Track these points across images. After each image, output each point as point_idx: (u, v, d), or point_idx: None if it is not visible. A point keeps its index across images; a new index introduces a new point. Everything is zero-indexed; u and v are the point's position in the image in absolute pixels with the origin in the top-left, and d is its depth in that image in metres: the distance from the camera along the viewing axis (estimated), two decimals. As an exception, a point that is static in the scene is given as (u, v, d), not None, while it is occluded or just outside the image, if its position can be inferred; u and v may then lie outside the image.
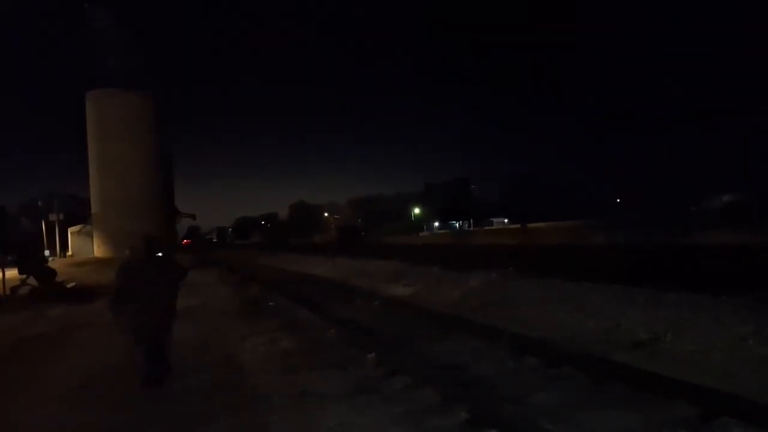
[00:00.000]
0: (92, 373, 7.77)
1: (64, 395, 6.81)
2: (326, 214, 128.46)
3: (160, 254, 7.17)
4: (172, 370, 7.16)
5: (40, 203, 60.69)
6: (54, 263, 31.87)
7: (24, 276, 19.16)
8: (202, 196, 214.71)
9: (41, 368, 8.52)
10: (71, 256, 53.81)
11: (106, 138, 51.55)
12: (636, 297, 9.30)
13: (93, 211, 53.47)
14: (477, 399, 5.54)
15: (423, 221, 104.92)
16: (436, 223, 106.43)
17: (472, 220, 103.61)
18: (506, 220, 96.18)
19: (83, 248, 53.37)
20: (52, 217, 55.07)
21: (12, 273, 20.47)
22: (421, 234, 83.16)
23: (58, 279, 19.71)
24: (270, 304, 14.11)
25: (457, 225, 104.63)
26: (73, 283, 21.32)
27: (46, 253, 47.13)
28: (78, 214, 59.75)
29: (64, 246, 57.10)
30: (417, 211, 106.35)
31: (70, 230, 57.26)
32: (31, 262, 19.93)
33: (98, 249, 50.36)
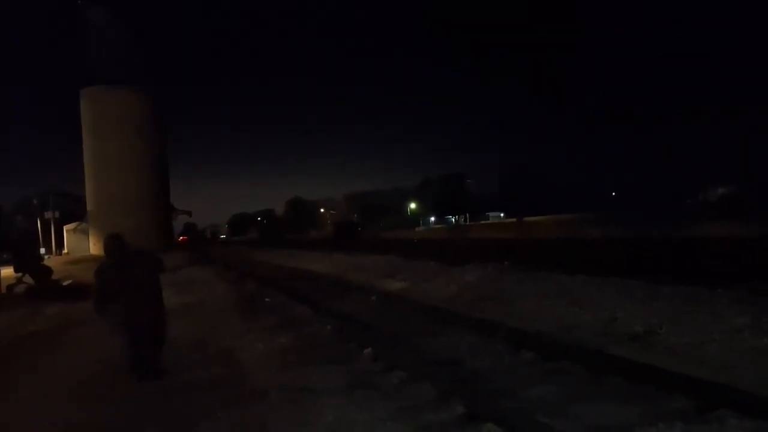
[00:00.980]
0: (89, 371, 7.75)
1: (61, 393, 6.80)
2: (322, 210, 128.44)
3: (127, 251, 7.00)
4: (163, 369, 7.10)
5: (35, 201, 60.52)
6: (50, 261, 31.82)
7: (20, 274, 19.12)
8: (199, 192, 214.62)
9: (38, 366, 8.51)
10: (67, 254, 53.71)
11: (101, 135, 51.42)
12: (632, 290, 9.33)
13: (89, 208, 53.39)
14: (474, 393, 5.55)
15: (419, 216, 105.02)
16: (433, 218, 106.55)
17: (468, 215, 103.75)
18: (502, 215, 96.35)
19: (79, 246, 53.28)
20: (48, 215, 54.97)
21: (7, 271, 20.42)
22: (417, 229, 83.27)
23: (54, 277, 19.66)
24: (267, 300, 14.10)
25: (453, 220, 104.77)
26: (70, 281, 21.27)
27: (42, 251, 47.03)
28: (74, 211, 59.64)
29: (60, 244, 56.97)
30: (413, 206, 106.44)
31: (65, 228, 57.17)
32: (26, 260, 19.89)
33: (94, 247, 50.25)
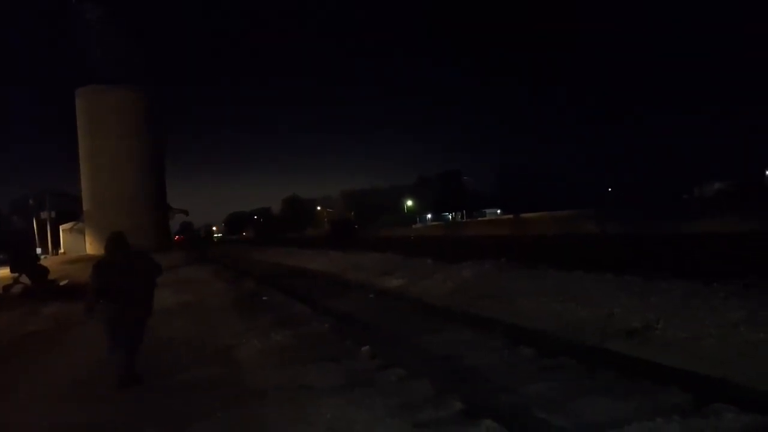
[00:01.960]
0: (87, 371, 7.75)
1: (60, 393, 6.80)
2: (319, 208, 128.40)
3: (128, 251, 7.01)
4: (137, 375, 6.86)
5: (31, 201, 60.36)
6: (46, 261, 31.79)
7: (16, 274, 19.08)
8: (195, 191, 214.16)
9: (35, 366, 8.50)
10: (63, 253, 53.58)
11: (97, 134, 51.29)
12: (628, 285, 9.36)
13: (85, 208, 53.27)
14: (472, 390, 5.57)
15: (416, 213, 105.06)
16: (429, 215, 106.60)
17: (464, 212, 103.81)
18: (499, 211, 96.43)
19: (75, 246, 53.16)
20: (44, 214, 54.82)
21: (4, 271, 20.38)
22: (414, 226, 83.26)
23: (51, 277, 19.62)
24: (264, 298, 14.11)
25: (450, 217, 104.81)
26: (66, 281, 21.23)
27: (38, 250, 46.94)
28: (70, 211, 59.47)
29: (56, 244, 56.84)
30: (410, 203, 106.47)
31: (62, 228, 57.02)
32: (23, 260, 19.84)
33: (90, 246, 50.19)
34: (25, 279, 18.81)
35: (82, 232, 53.47)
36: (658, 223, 27.72)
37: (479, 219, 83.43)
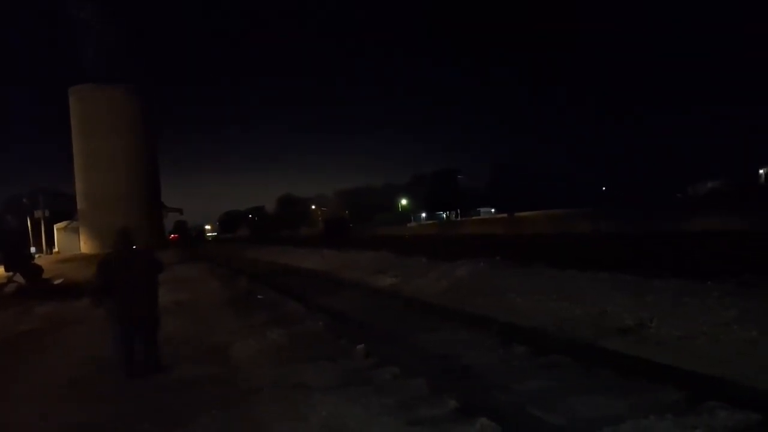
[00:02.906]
0: (83, 369, 7.73)
1: (56, 392, 6.79)
2: (314, 207, 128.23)
3: (135, 247, 7.21)
4: (162, 366, 7.18)
5: (25, 200, 60.19)
6: (40, 260, 31.69)
7: (10, 273, 19.02)
8: (189, 190, 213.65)
9: (30, 366, 8.47)
10: (58, 252, 53.43)
11: (91, 133, 51.11)
12: (622, 284, 9.40)
13: (79, 207, 53.10)
14: (466, 388, 5.58)
15: (411, 212, 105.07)
16: (424, 214, 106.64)
17: (459, 210, 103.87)
18: (493, 210, 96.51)
19: (70, 244, 52.99)
20: (38, 213, 54.62)
21: (-3, 271, 20.30)
22: (408, 225, 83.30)
23: (45, 276, 19.57)
24: (259, 297, 14.10)
25: (445, 215, 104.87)
26: (61, 280, 21.17)
27: (32, 249, 46.75)
28: (64, 210, 59.28)
29: (51, 243, 56.65)
30: (404, 202, 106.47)
31: (56, 227, 56.85)
32: (17, 260, 19.78)
33: (85, 245, 50.04)
34: (19, 278, 18.75)
35: (76, 231, 53.30)
36: (652, 222, 27.83)
37: (474, 218, 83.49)
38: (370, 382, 6.03)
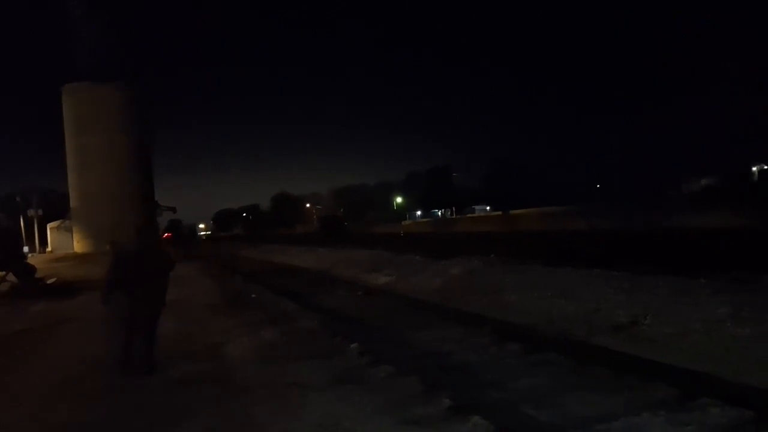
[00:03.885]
0: (76, 368, 7.70)
1: (50, 391, 6.76)
2: (308, 205, 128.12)
3: (150, 244, 7.30)
4: (156, 364, 7.17)
5: (18, 199, 59.89)
6: (33, 259, 31.54)
7: (3, 273, 18.91)
8: (184, 189, 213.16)
9: (24, 365, 8.43)
10: (51, 251, 53.18)
11: (84, 131, 50.81)
12: (615, 281, 9.42)
13: (72, 205, 52.82)
14: (460, 386, 5.59)
15: (405, 210, 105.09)
16: (419, 212, 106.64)
17: (454, 208, 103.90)
18: (488, 208, 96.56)
19: (63, 243, 52.72)
20: (31, 212, 54.40)
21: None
22: (403, 223, 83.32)
23: (38, 275, 19.48)
24: (253, 296, 14.08)
25: (440, 213, 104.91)
26: (54, 279, 21.09)
27: (26, 249, 46.51)
28: (57, 209, 59.01)
29: (44, 242, 56.41)
30: (399, 200, 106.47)
31: (49, 226, 56.56)
32: (9, 259, 19.66)
33: (78, 244, 49.77)
34: (12, 277, 18.65)
35: (69, 230, 53.02)
36: (646, 219, 27.91)
37: (469, 215, 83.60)
38: (365, 380, 6.03)
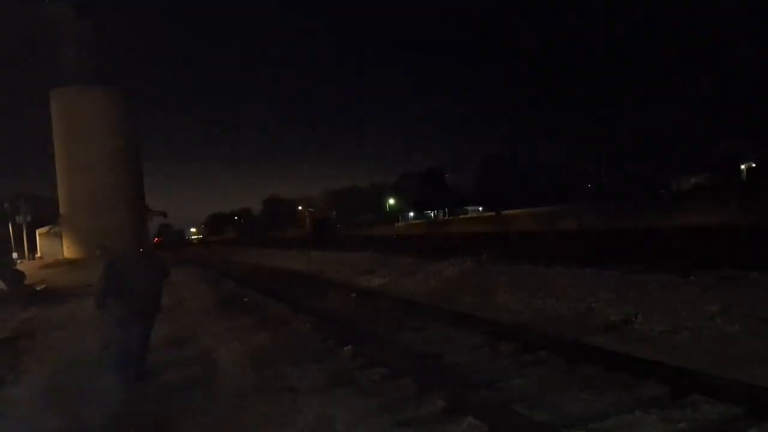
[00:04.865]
0: (65, 375, 7.65)
1: (39, 398, 6.69)
2: (300, 208, 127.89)
3: (141, 249, 7.24)
4: (148, 371, 7.13)
5: (6, 205, 59.40)
6: (22, 266, 31.33)
7: (-8, 280, 18.77)
8: (174, 193, 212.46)
9: (10, 371, 8.36)
10: (40, 258, 52.81)
11: (73, 136, 50.54)
12: (607, 280, 9.47)
13: (61, 211, 52.51)
14: (454, 387, 5.58)
15: (398, 212, 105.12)
16: (412, 213, 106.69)
17: (447, 209, 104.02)
18: (481, 208, 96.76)
19: (52, 250, 52.35)
20: (20, 219, 54.01)
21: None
22: (396, 224, 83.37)
23: (28, 282, 19.37)
24: (245, 300, 14.04)
25: (432, 214, 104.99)
26: (43, 285, 20.97)
27: (14, 255, 46.23)
28: (46, 215, 58.60)
29: (33, 248, 56.01)
30: (392, 201, 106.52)
31: (38, 232, 56.18)
32: (-2, 266, 19.56)
33: (68, 250, 49.48)
34: (1, 284, 18.52)
35: (59, 236, 52.69)
36: (636, 218, 28.05)
37: (461, 216, 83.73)
38: (358, 383, 6.03)
